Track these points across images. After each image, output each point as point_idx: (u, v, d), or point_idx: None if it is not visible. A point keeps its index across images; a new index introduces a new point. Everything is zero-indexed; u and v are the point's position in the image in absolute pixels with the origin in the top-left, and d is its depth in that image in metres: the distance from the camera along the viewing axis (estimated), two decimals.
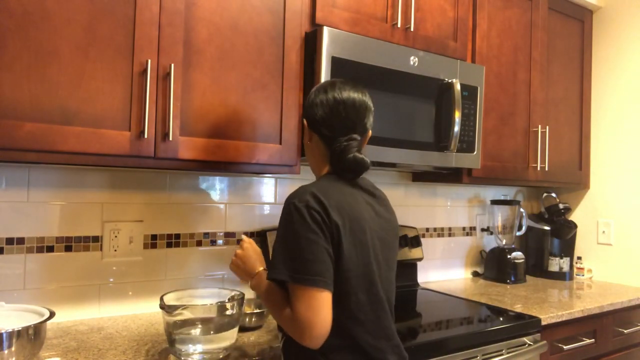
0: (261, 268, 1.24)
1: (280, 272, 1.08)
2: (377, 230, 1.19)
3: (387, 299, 1.19)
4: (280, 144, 1.63)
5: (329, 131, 1.21)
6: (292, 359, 1.16)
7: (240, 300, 1.34)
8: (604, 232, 2.69)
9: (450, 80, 1.92)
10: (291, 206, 1.10)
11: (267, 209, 2.00)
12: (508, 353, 1.72)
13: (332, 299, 1.07)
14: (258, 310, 1.63)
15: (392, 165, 1.98)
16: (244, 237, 1.33)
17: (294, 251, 1.07)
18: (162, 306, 1.24)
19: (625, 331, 2.19)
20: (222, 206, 1.90)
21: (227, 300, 1.38)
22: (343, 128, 1.21)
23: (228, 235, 1.91)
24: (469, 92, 2.02)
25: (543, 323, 1.86)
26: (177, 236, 1.80)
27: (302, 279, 1.05)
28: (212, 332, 1.29)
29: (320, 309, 1.05)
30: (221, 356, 1.29)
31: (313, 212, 1.08)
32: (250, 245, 1.29)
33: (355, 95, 1.21)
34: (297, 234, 1.07)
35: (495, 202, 2.65)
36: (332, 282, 1.07)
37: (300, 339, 1.06)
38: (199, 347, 1.26)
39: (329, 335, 1.07)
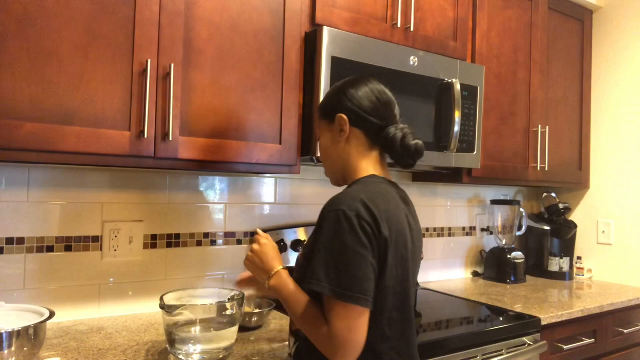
0: (280, 267, 1.15)
1: (322, 285, 1.00)
2: (412, 244, 1.13)
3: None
4: (280, 144, 1.63)
5: (380, 119, 1.15)
6: None
7: (240, 300, 1.34)
8: (604, 232, 2.69)
9: (450, 80, 1.92)
10: (340, 214, 1.01)
11: (267, 209, 2.00)
12: (508, 353, 1.72)
13: None
14: (258, 310, 1.63)
15: (392, 165, 1.97)
16: (259, 231, 1.24)
17: (340, 264, 0.99)
18: (162, 306, 1.24)
19: (625, 331, 2.19)
20: (222, 206, 1.90)
21: (227, 300, 1.37)
22: (391, 116, 1.17)
23: (228, 235, 1.91)
24: (469, 92, 2.02)
25: (543, 323, 1.86)
26: (177, 236, 1.80)
27: (348, 297, 0.98)
28: (212, 331, 1.29)
29: (361, 328, 1.00)
30: (221, 356, 1.29)
31: (364, 223, 1.01)
32: (268, 241, 1.20)
33: (382, 85, 1.20)
34: (345, 245, 1.00)
35: (495, 202, 2.65)
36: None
37: (333, 356, 1.00)
38: (199, 347, 1.26)
39: None
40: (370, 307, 1.01)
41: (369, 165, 1.17)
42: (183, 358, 1.26)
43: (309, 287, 1.02)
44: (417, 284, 1.19)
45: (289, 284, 1.12)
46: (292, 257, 1.93)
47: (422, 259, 1.28)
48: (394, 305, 1.08)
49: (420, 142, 1.15)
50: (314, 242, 1.06)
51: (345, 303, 0.98)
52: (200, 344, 1.27)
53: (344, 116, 1.16)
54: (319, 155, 1.24)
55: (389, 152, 1.17)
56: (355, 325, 0.99)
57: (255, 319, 1.58)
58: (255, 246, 1.20)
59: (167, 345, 1.28)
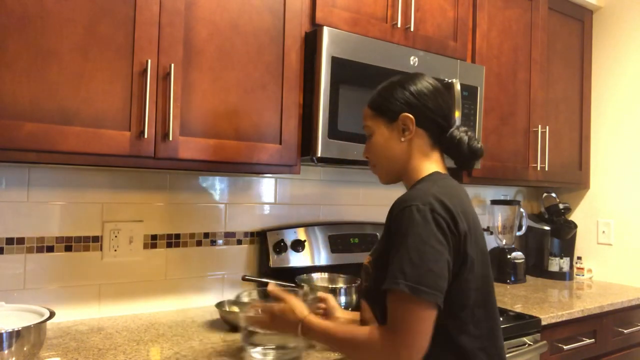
0: (307, 312, 1.13)
1: (397, 282, 0.94)
2: (483, 239, 1.11)
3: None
4: (280, 144, 1.63)
5: (444, 120, 1.14)
6: None
7: (314, 296, 1.34)
8: (604, 232, 2.69)
9: (450, 80, 1.92)
10: (413, 209, 0.98)
11: (267, 209, 2.00)
12: (508, 353, 1.71)
13: (446, 312, 0.98)
14: None
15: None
16: (271, 288, 1.20)
17: (416, 259, 0.94)
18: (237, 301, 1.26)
19: (625, 331, 2.19)
20: (222, 206, 1.90)
21: (302, 295, 1.37)
22: (452, 117, 1.15)
23: (228, 235, 1.91)
24: (469, 92, 2.02)
25: (543, 323, 1.86)
26: (177, 236, 1.80)
27: (422, 292, 0.93)
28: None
29: (428, 329, 0.95)
30: (294, 355, 1.30)
31: (439, 217, 0.98)
32: (287, 295, 1.17)
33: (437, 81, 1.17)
34: (420, 239, 0.95)
35: (495, 202, 2.65)
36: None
37: (395, 354, 0.94)
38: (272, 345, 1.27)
39: (436, 354, 0.98)
40: (441, 304, 0.95)
41: (432, 164, 1.14)
42: (259, 357, 1.27)
43: (386, 287, 0.97)
44: None
45: (317, 325, 1.09)
46: (292, 257, 1.93)
47: None
48: (476, 301, 1.04)
49: (481, 144, 1.15)
50: (387, 246, 1.02)
51: (420, 299, 0.93)
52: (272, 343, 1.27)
53: (411, 116, 1.12)
54: (367, 153, 1.22)
55: (453, 154, 1.15)
56: (422, 326, 0.94)
57: None
58: (278, 306, 1.15)
59: (243, 343, 1.29)
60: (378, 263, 1.07)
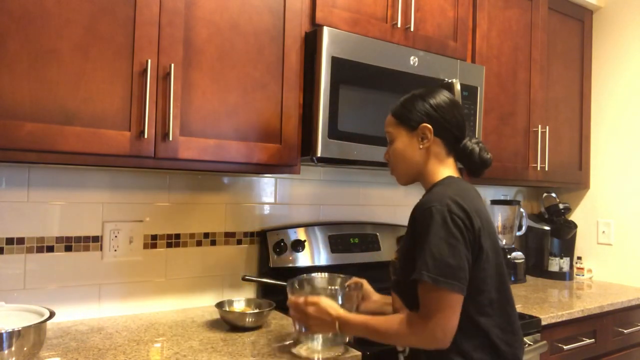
0: (341, 310, 1.25)
1: (421, 273, 1.10)
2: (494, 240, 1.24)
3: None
4: (280, 144, 1.63)
5: (459, 131, 1.28)
6: None
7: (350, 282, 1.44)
8: (604, 232, 2.69)
9: (450, 80, 1.92)
10: (433, 209, 1.13)
11: (267, 209, 2.00)
12: None
13: (467, 297, 1.13)
14: (258, 311, 1.63)
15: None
16: (306, 299, 1.28)
17: (436, 254, 1.10)
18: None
19: (625, 331, 2.19)
20: (222, 206, 1.90)
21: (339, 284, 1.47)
22: (466, 128, 1.30)
23: (228, 235, 1.91)
24: (469, 92, 2.02)
25: (543, 323, 1.86)
26: (177, 236, 1.80)
27: (442, 282, 1.09)
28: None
29: (454, 314, 1.10)
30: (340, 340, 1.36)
31: (455, 217, 1.12)
32: (320, 299, 1.27)
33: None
34: (439, 237, 1.11)
35: (495, 202, 2.65)
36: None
37: (430, 340, 1.11)
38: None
39: (460, 331, 1.12)
40: (464, 293, 1.11)
41: (446, 169, 1.28)
42: (309, 341, 1.35)
43: (412, 278, 1.13)
44: None
45: (352, 321, 1.23)
46: (292, 257, 1.93)
47: None
48: (492, 286, 1.18)
49: (491, 155, 1.30)
50: (411, 244, 1.17)
51: (444, 289, 1.09)
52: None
53: (429, 126, 1.26)
54: (387, 156, 1.35)
55: (465, 162, 1.31)
56: (449, 310, 1.10)
57: (254, 319, 1.58)
58: (312, 309, 1.26)
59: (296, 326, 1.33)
60: (403, 258, 1.23)
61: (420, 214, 1.16)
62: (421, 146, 1.27)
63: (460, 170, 1.33)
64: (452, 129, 1.27)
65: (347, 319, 1.23)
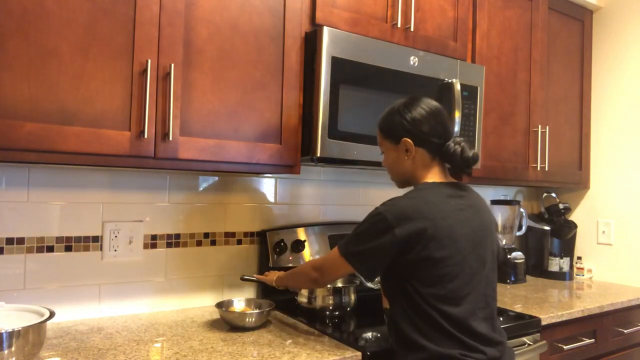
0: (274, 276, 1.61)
1: (340, 244, 1.32)
2: (466, 233, 1.28)
3: (484, 295, 1.30)
4: (280, 144, 1.63)
5: (439, 138, 1.33)
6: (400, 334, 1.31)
7: None
8: (604, 232, 2.69)
9: (450, 80, 1.92)
10: (379, 209, 1.26)
11: (267, 209, 2.00)
12: None
13: (411, 278, 1.25)
14: (258, 311, 1.63)
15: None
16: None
17: (355, 242, 1.28)
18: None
19: (625, 331, 2.19)
20: (222, 206, 1.90)
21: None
22: (447, 132, 1.35)
23: (228, 235, 1.91)
24: (469, 92, 2.02)
25: (543, 323, 1.86)
26: (177, 236, 1.80)
27: (345, 254, 1.30)
28: None
29: (337, 273, 1.37)
30: None
31: (382, 223, 1.23)
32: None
33: (433, 102, 1.37)
34: (365, 232, 1.27)
35: (495, 202, 2.65)
36: (370, 274, 1.30)
37: (313, 279, 1.41)
38: None
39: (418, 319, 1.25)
40: (355, 269, 1.30)
41: (430, 174, 1.36)
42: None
43: (337, 245, 1.34)
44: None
45: (283, 275, 1.57)
46: (292, 257, 1.93)
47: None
48: (447, 278, 1.24)
49: (475, 151, 1.33)
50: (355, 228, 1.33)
51: (342, 257, 1.30)
52: None
53: (409, 140, 1.33)
54: (384, 164, 1.45)
55: (450, 163, 1.36)
56: (337, 269, 1.35)
57: (255, 319, 1.58)
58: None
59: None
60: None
61: (371, 212, 1.30)
62: (406, 157, 1.35)
63: (450, 170, 1.40)
64: (431, 138, 1.33)
65: (279, 276, 1.58)
